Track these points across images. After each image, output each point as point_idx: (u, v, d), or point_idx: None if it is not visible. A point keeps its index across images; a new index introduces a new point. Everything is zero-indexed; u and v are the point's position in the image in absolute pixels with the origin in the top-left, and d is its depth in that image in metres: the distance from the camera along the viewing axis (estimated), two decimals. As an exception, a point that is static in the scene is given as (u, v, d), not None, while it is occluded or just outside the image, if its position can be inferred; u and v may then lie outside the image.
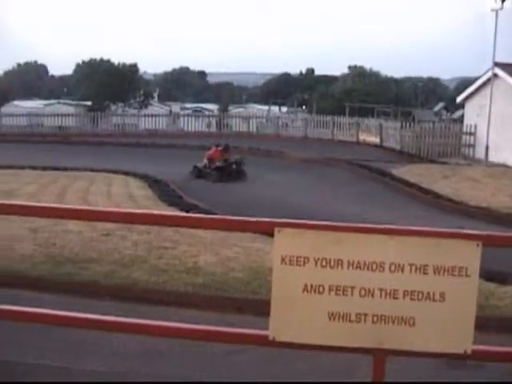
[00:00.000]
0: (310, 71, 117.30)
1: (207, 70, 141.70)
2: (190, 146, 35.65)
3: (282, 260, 4.03)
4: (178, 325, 4.56)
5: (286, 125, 49.93)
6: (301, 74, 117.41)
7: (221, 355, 6.46)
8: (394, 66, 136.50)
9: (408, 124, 39.18)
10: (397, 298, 4.02)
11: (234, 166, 26.94)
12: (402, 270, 4.00)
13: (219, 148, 27.92)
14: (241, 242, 11.60)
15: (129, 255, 10.50)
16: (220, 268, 9.92)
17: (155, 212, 5.20)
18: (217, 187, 24.24)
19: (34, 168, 26.10)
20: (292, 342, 4.13)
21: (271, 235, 4.16)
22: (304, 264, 3.99)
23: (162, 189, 20.97)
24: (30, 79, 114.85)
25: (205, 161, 27.34)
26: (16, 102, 79.31)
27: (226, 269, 9.89)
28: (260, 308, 6.81)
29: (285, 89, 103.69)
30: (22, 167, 26.14)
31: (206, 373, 6.18)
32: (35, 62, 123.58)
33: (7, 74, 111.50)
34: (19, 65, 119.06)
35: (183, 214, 11.93)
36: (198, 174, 26.68)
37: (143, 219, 4.94)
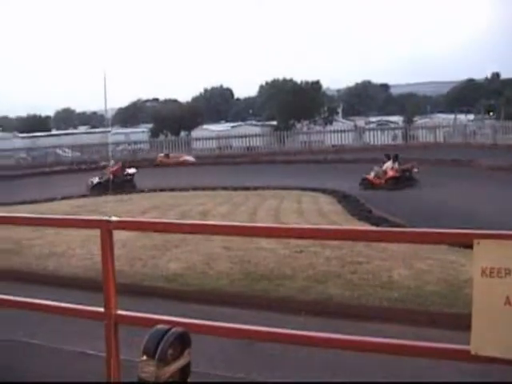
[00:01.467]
0: (495, 75, 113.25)
1: (390, 83, 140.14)
2: (377, 160, 35.50)
3: (483, 272, 3.91)
4: (372, 339, 4.53)
5: (474, 133, 48.60)
6: (486, 79, 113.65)
7: (417, 370, 6.36)
8: None
9: None
10: None
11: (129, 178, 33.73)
12: None
13: (119, 165, 34.33)
14: (434, 254, 11.37)
15: (322, 271, 10.55)
16: (414, 281, 9.77)
17: (348, 227, 5.22)
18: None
19: (225, 189, 26.98)
20: (495, 356, 4.00)
21: (467, 247, 4.04)
22: (506, 276, 3.86)
23: (351, 203, 21.01)
24: (217, 103, 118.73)
25: (108, 176, 33.00)
26: (205, 126, 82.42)
27: (420, 282, 9.73)
28: (456, 321, 6.66)
29: (470, 96, 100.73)
30: (214, 188, 27.09)
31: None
32: (221, 86, 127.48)
33: (195, 99, 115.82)
34: (206, 90, 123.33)
35: (375, 228, 11.88)
36: (100, 187, 31.71)
37: (337, 235, 4.98)
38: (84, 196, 28.23)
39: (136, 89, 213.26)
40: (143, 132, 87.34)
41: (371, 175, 29.78)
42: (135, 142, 65.15)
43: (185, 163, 43.48)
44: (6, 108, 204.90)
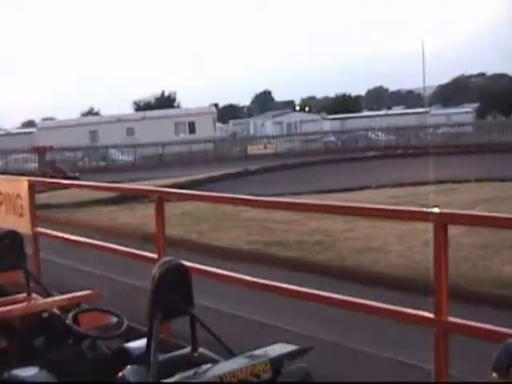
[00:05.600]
0: None
1: None
2: None
3: None
4: None
5: None
6: None
7: None
8: None
9: None
10: None
11: None
12: None
13: None
14: None
15: None
16: None
17: None
18: None
19: None
20: None
21: None
22: None
23: None
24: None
25: None
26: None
27: None
28: None
29: None
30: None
31: None
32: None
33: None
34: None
35: None
36: None
37: None
38: (400, 185, 28.31)
39: (458, 62, 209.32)
40: (467, 113, 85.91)
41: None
42: (458, 125, 64.06)
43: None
44: (314, 87, 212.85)
